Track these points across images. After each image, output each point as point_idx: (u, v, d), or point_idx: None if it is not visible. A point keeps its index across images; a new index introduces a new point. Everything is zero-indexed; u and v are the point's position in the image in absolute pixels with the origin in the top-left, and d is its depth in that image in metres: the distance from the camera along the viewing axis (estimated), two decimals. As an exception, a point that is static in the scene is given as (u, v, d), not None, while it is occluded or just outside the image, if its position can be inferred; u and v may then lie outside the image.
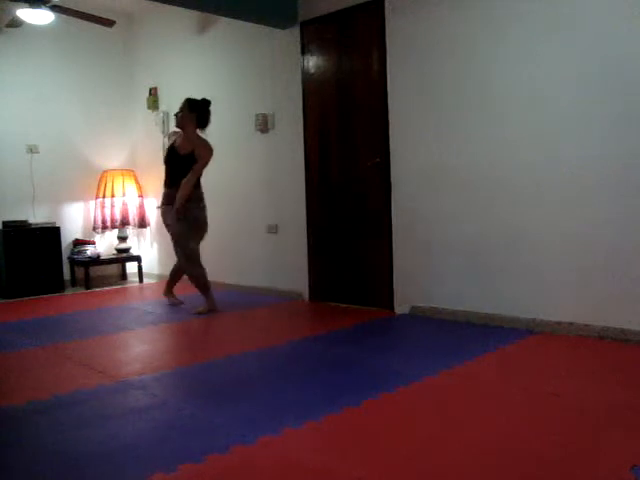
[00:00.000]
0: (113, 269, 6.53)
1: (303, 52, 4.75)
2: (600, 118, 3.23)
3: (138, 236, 6.69)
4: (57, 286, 5.79)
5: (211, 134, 5.71)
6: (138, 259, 6.35)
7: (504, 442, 1.99)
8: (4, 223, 5.61)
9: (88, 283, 5.99)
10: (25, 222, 5.71)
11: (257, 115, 5.14)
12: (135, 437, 2.13)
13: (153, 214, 6.44)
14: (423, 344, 3.42)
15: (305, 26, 4.72)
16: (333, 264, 4.65)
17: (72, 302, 5.35)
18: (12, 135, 5.79)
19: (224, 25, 5.41)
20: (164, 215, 4.55)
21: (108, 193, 6.25)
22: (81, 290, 5.96)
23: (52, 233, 5.80)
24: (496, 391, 2.50)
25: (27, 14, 4.72)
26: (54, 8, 4.75)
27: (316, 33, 4.66)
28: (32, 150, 5.84)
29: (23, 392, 2.70)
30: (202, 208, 4.42)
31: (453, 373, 2.76)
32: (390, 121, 4.15)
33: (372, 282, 4.38)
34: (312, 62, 4.69)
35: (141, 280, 6.36)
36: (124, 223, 6.33)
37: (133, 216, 6.42)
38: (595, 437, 2.00)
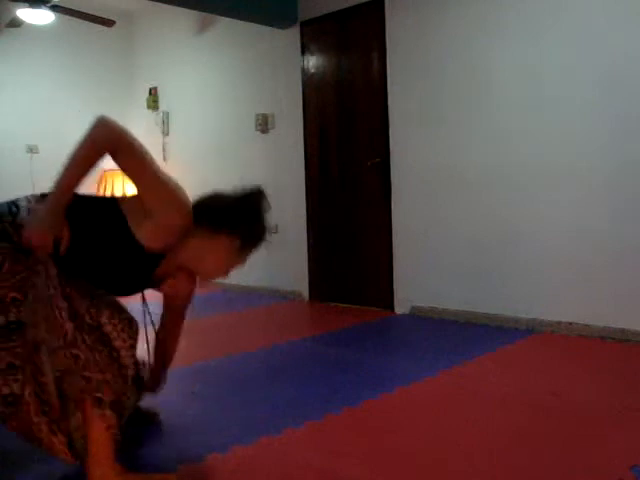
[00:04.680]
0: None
1: (303, 52, 4.74)
2: (600, 117, 3.23)
3: (138, 236, 6.68)
4: (57, 286, 5.78)
5: (211, 134, 5.74)
6: (138, 259, 6.34)
7: (504, 442, 1.98)
8: (4, 223, 5.61)
9: (88, 283, 5.98)
10: (25, 222, 5.71)
11: (257, 115, 5.14)
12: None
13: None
14: (423, 344, 3.41)
15: (305, 26, 4.72)
16: (333, 264, 4.65)
17: (72, 302, 5.34)
18: (12, 135, 5.78)
19: (224, 25, 5.41)
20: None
21: (108, 193, 6.23)
22: (81, 290, 5.95)
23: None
24: (496, 391, 2.50)
25: (27, 14, 4.72)
26: (54, 8, 4.76)
27: (316, 33, 4.66)
28: (32, 150, 5.83)
29: (23, 392, 2.70)
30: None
31: (453, 373, 2.76)
32: (390, 121, 4.15)
33: (372, 282, 4.38)
34: (312, 62, 4.69)
35: (141, 280, 6.35)
36: (124, 223, 6.33)
37: (133, 216, 6.42)
38: (595, 437, 2.00)
